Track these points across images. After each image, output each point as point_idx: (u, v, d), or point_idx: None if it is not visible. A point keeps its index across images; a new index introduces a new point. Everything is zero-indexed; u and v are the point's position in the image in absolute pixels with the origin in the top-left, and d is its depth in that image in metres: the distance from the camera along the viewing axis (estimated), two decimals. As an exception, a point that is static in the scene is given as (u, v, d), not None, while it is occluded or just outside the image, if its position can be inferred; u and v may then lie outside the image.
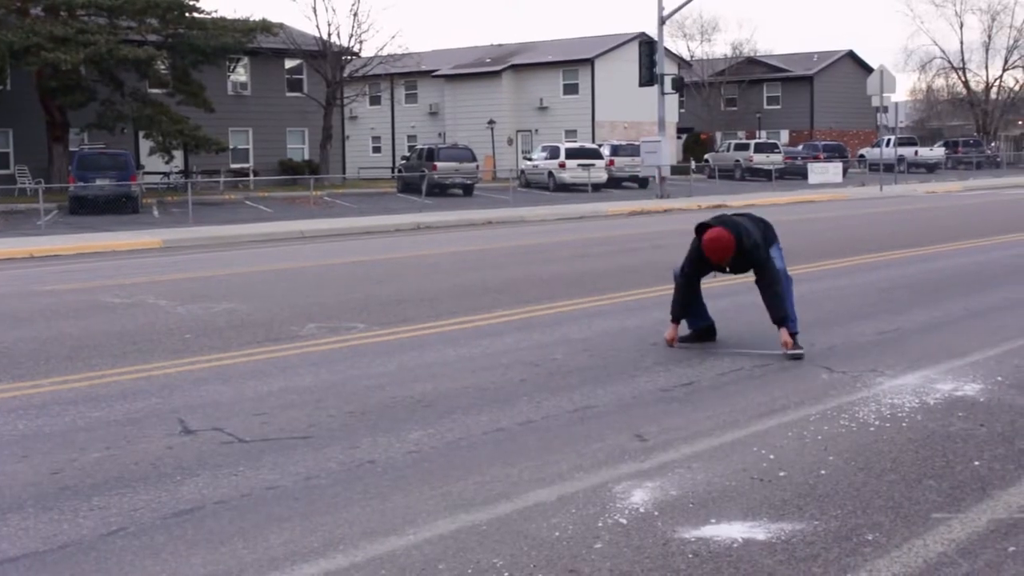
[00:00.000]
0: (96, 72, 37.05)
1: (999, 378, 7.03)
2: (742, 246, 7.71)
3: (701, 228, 7.90)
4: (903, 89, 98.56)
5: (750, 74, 72.40)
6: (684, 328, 8.42)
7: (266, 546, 4.27)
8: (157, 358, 8.26)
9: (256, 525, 4.51)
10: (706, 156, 58.52)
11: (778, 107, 72.73)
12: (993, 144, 74.21)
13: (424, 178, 36.28)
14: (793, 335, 7.74)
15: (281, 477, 5.17)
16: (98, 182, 31.24)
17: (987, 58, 75.39)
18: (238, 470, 5.29)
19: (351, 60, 48.63)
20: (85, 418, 6.41)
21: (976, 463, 5.20)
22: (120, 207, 31.12)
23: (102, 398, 6.92)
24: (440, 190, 39.22)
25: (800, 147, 60.34)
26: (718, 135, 68.99)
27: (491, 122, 58.62)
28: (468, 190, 40.76)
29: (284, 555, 4.17)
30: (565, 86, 60.34)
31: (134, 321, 10.26)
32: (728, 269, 7.97)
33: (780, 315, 7.71)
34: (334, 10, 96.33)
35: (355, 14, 47.34)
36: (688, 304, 8.25)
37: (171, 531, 4.48)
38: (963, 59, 75.06)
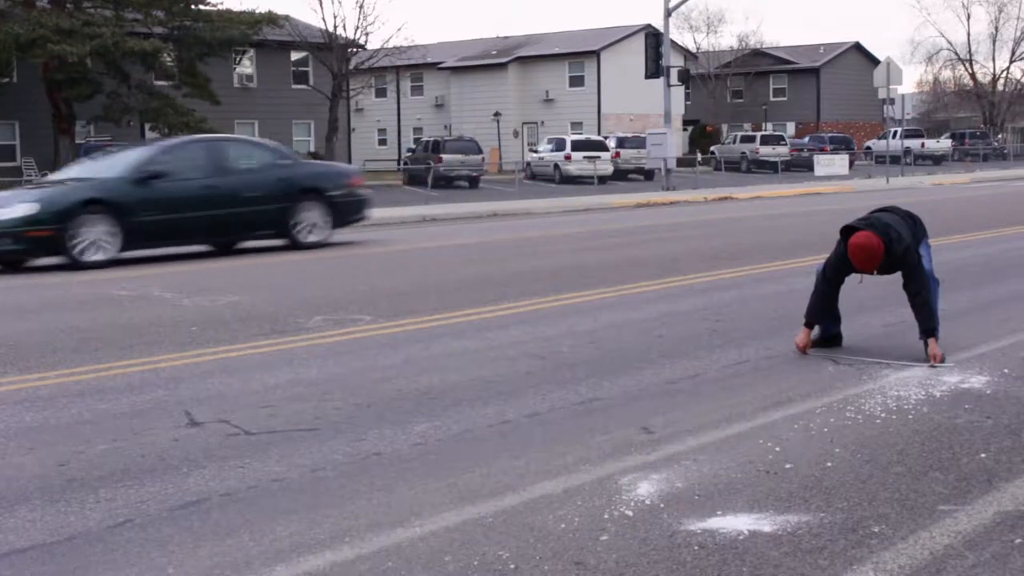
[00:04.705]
0: (102, 64, 37.10)
1: (1005, 370, 7.01)
2: (892, 252, 7.20)
3: (847, 231, 7.36)
4: (910, 81, 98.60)
5: (756, 66, 72.26)
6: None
7: (272, 538, 4.28)
8: (163, 350, 8.27)
9: (262, 517, 4.52)
10: (712, 148, 58.52)
11: (784, 99, 72.60)
12: (1000, 136, 74.04)
13: (430, 170, 36.30)
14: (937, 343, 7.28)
15: (287, 469, 5.17)
16: (104, 174, 31.24)
17: (994, 50, 75.36)
18: (244, 462, 5.30)
19: (357, 52, 48.59)
20: (91, 410, 6.42)
21: (982, 455, 5.19)
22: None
23: (108, 390, 6.93)
24: (446, 182, 39.23)
25: (806, 139, 60.23)
26: (724, 127, 68.92)
27: (497, 114, 58.63)
28: (474, 182, 40.79)
29: (290, 547, 4.18)
30: (571, 78, 60.31)
31: (140, 313, 10.27)
32: (876, 272, 7.45)
33: (929, 326, 7.26)
34: (340, 2, 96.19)
35: (361, 6, 47.28)
36: (826, 310, 7.71)
37: (177, 523, 4.48)
38: (970, 51, 74.92)
